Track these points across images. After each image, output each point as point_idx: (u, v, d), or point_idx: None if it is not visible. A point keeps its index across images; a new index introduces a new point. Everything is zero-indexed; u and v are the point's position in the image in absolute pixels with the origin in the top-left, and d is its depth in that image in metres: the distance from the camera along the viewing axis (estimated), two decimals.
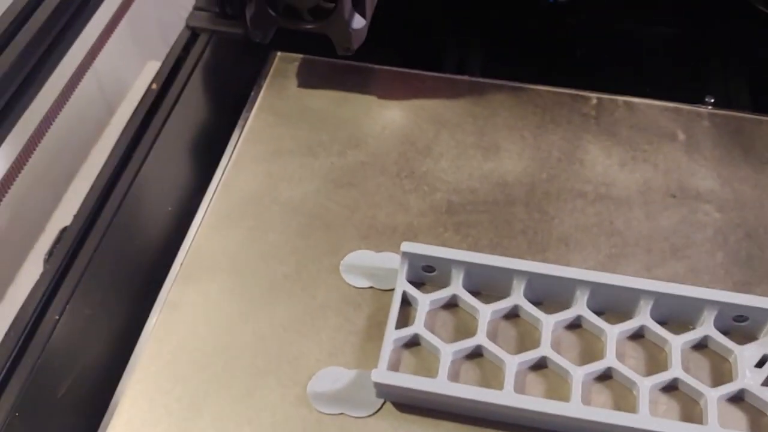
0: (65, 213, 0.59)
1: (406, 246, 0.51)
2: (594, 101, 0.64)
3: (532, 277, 0.50)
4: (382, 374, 0.46)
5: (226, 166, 0.60)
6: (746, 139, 0.61)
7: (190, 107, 0.66)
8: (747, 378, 0.47)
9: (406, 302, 0.51)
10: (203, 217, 0.56)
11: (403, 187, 0.58)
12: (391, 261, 0.54)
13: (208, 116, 0.67)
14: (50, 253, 0.56)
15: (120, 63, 0.77)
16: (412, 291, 0.51)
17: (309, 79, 0.65)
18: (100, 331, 0.53)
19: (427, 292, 0.52)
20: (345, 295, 0.53)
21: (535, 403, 0.45)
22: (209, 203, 0.57)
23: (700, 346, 0.50)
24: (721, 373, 0.48)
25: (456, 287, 0.51)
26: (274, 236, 0.56)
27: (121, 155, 0.61)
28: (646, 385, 0.47)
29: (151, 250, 0.58)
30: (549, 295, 0.51)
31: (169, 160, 0.63)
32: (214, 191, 0.58)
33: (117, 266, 0.56)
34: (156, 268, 0.55)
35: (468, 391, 0.45)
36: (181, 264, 0.54)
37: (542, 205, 0.57)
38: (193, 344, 0.50)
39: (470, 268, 0.51)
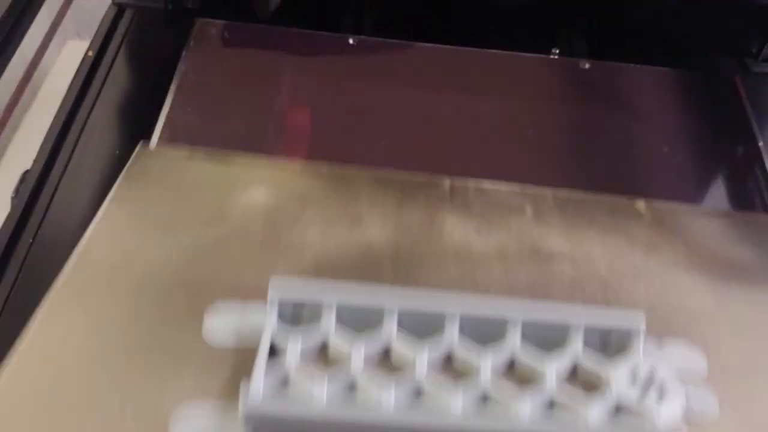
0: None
1: (275, 292, 0.50)
2: (447, 185, 0.67)
3: (403, 313, 0.50)
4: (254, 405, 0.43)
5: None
6: (588, 208, 0.66)
7: (124, 69, 0.75)
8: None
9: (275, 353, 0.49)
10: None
11: (271, 257, 0.58)
12: (257, 320, 0.51)
13: (140, 73, 0.76)
14: (16, 191, 0.64)
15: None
16: (281, 340, 0.49)
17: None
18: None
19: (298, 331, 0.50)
20: (208, 355, 0.50)
21: (421, 415, 0.43)
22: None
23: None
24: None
25: (327, 331, 0.50)
26: (134, 302, 0.53)
27: (67, 111, 0.70)
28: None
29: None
30: (423, 330, 0.50)
31: (110, 113, 0.71)
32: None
33: (73, 200, 0.63)
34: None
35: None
36: None
37: (408, 268, 0.58)
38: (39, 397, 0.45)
39: (340, 310, 0.50)
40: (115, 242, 0.57)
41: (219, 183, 0.64)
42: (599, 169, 0.74)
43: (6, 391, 0.46)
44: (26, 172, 0.64)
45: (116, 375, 0.47)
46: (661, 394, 0.48)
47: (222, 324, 0.51)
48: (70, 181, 0.64)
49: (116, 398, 0.45)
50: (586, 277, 0.59)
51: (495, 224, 0.63)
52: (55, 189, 0.62)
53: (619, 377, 0.48)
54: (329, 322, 0.50)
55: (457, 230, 0.62)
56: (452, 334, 0.50)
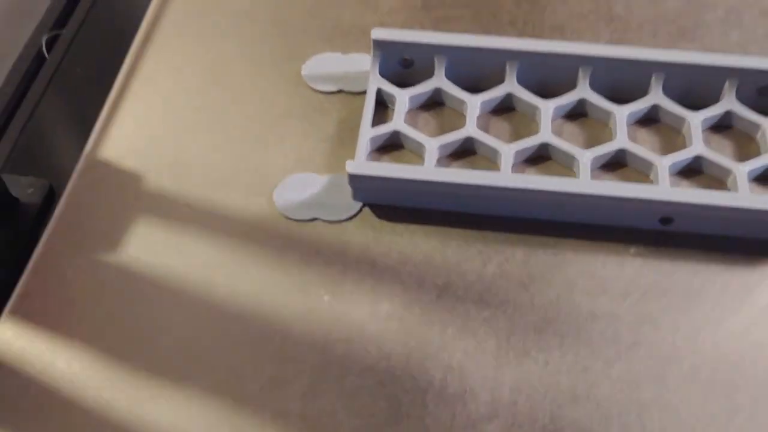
0: None
1: (378, 33, 0.44)
2: None
3: (526, 59, 0.43)
4: (359, 165, 0.39)
5: None
6: None
7: None
8: None
9: (383, 104, 0.45)
10: (144, 35, 0.49)
11: None
12: (361, 62, 0.46)
13: None
14: None
15: None
16: (388, 87, 0.44)
17: None
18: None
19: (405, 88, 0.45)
20: (310, 101, 0.45)
21: (540, 181, 0.38)
22: (149, 23, 0.49)
23: (721, 126, 0.43)
24: (747, 153, 0.42)
25: (439, 79, 0.44)
26: (225, 47, 0.48)
27: None
28: (665, 165, 0.40)
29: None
30: (547, 79, 0.44)
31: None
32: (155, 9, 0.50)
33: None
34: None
35: (461, 175, 0.39)
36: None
37: (532, 2, 0.50)
38: (133, 161, 0.43)
39: (455, 55, 0.44)
40: None
41: None
42: None
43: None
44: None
45: (215, 131, 0.44)
46: None
47: (323, 71, 0.46)
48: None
49: (217, 158, 0.43)
50: (745, 3, 0.50)
51: None
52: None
53: None
54: (441, 71, 0.44)
55: None
56: (583, 84, 0.43)
